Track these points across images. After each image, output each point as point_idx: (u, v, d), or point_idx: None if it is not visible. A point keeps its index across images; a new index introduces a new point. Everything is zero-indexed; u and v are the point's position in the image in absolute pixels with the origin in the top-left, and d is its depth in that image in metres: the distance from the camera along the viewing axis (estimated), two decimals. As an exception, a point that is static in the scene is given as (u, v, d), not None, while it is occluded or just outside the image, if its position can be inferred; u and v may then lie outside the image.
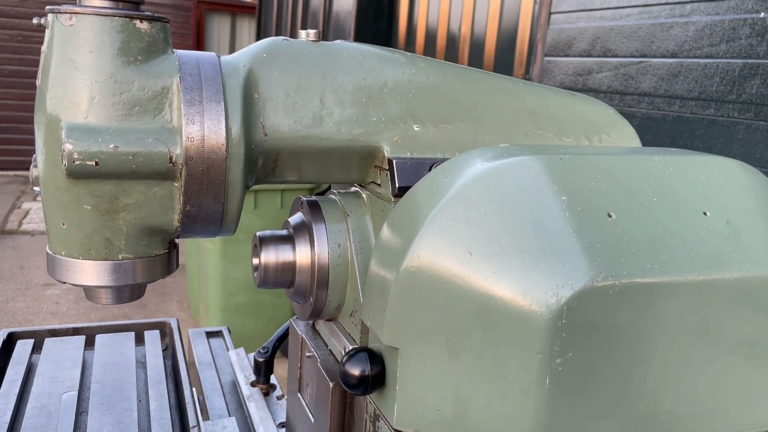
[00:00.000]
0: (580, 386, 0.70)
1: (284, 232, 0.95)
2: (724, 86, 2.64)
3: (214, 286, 4.02)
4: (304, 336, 1.04)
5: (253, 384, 1.30)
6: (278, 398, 1.26)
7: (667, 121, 2.85)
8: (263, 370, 1.29)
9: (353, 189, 0.99)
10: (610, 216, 0.73)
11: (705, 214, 0.77)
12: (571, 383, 0.70)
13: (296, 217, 0.96)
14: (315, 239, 0.90)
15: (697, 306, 0.73)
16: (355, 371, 0.79)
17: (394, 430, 0.76)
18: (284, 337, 1.29)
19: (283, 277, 0.92)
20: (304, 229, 0.93)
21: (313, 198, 0.95)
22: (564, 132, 0.99)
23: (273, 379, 1.33)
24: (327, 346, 0.99)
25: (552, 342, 0.68)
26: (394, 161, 0.87)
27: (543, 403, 0.69)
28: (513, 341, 0.70)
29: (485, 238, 0.72)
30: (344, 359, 0.80)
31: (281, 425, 1.15)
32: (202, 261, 4.14)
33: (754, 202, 0.82)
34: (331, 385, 0.89)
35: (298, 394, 1.06)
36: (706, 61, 2.66)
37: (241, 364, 1.40)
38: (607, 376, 0.71)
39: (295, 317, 1.12)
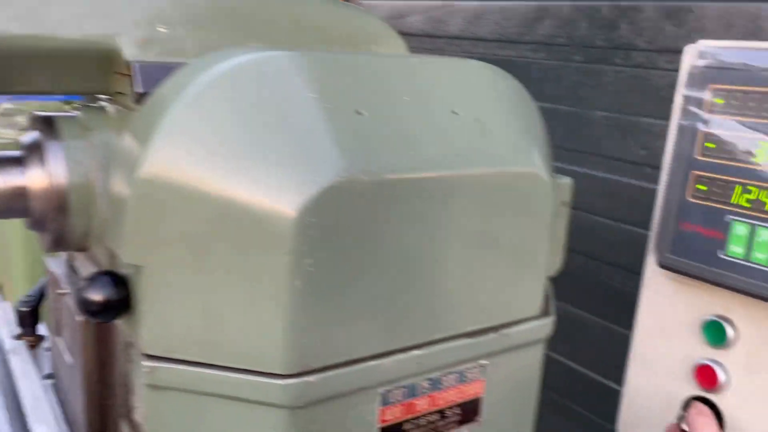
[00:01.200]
0: (335, 287, 0.69)
1: (14, 153, 0.83)
2: (519, 28, 2.79)
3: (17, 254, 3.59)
4: (57, 272, 0.93)
5: (18, 337, 1.16)
6: (47, 350, 1.14)
7: (468, 58, 2.96)
8: (28, 321, 1.16)
9: (101, 102, 0.88)
10: (359, 113, 0.71)
11: (455, 113, 0.78)
12: (325, 284, 0.68)
13: (29, 136, 0.83)
14: (49, 159, 0.79)
15: (447, 201, 0.74)
16: (96, 297, 0.71)
17: (145, 355, 0.70)
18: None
19: (14, 204, 0.80)
20: (37, 149, 0.81)
21: (48, 114, 0.83)
22: (329, 40, 0.96)
23: (41, 332, 1.20)
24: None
25: (300, 243, 0.65)
26: (135, 65, 0.78)
27: (296, 306, 0.67)
28: (260, 246, 0.66)
29: (226, 138, 0.66)
30: (84, 285, 0.72)
31: (48, 376, 1.04)
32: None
33: (503, 102, 0.85)
34: (79, 319, 0.81)
35: (57, 338, 0.96)
36: (505, 3, 2.79)
37: (6, 318, 1.24)
38: (362, 274, 0.70)
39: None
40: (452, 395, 0.81)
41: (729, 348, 0.99)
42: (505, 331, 0.83)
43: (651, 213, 1.11)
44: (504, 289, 0.83)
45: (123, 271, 0.73)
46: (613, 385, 2.03)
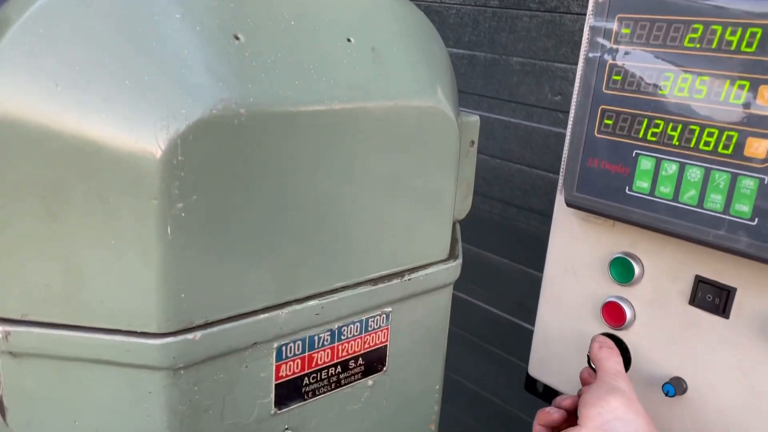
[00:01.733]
0: (213, 234, 0.61)
1: None
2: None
3: None
4: None
5: None
6: None
7: None
8: None
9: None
10: (237, 38, 0.63)
11: (349, 40, 0.71)
12: (200, 229, 0.60)
13: None
14: None
15: (340, 137, 0.68)
16: (-68, 256, 0.61)
17: (-3, 319, 0.61)
18: None
19: None
20: None
21: None
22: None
23: None
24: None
25: (168, 185, 0.57)
26: (-30, -16, 0.66)
27: (168, 256, 0.59)
28: (122, 189, 0.58)
29: (76, 64, 0.57)
30: None
31: None
32: None
33: (404, 32, 0.78)
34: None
35: None
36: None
37: None
38: (243, 219, 0.63)
39: None
40: (355, 346, 0.77)
41: (635, 284, 0.99)
42: (411, 276, 0.79)
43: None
44: (408, 232, 0.78)
45: (-33, 224, 0.63)
46: (530, 327, 2.07)
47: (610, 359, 0.78)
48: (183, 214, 0.58)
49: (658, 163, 0.87)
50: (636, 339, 1.01)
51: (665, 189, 0.86)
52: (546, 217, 1.94)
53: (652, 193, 0.87)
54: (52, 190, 0.58)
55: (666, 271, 0.95)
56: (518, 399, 2.16)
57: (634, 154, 0.89)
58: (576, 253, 1.06)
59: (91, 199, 0.58)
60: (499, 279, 2.20)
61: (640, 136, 0.89)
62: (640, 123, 0.89)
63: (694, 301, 0.93)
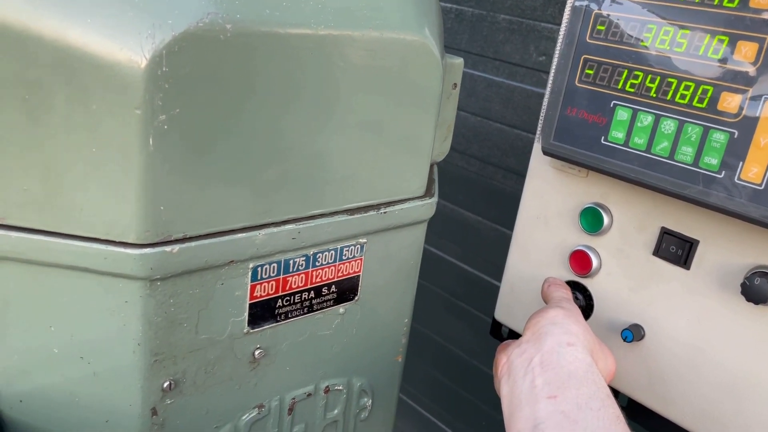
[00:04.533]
0: (194, 146, 0.62)
1: None
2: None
3: None
4: None
5: None
6: None
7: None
8: None
9: None
10: (226, -46, 0.62)
11: (339, -33, 0.71)
12: (181, 143, 0.61)
13: None
14: None
15: (324, 63, 0.68)
16: None
17: (-25, 222, 0.62)
18: None
19: None
20: None
21: None
22: None
23: None
24: None
25: (152, 96, 0.57)
26: None
27: (149, 167, 0.60)
28: (105, 97, 0.58)
29: (61, -34, 0.56)
30: None
31: None
32: None
33: (393, -35, 0.78)
34: None
35: None
36: None
37: None
38: (224, 135, 0.64)
39: None
40: (329, 273, 0.79)
41: (603, 234, 1.02)
42: (387, 209, 0.81)
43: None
44: (386, 166, 0.79)
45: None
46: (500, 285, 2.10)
47: (558, 291, 0.82)
48: (165, 127, 0.59)
49: (635, 114, 0.88)
50: (600, 287, 1.04)
51: (639, 140, 0.88)
52: (522, 177, 1.95)
53: (626, 143, 0.90)
54: (35, 94, 0.58)
55: (634, 222, 0.98)
56: (485, 354, 2.21)
57: (611, 105, 0.91)
58: (548, 202, 1.08)
59: (73, 105, 0.58)
60: (472, 236, 2.23)
61: (619, 86, 0.91)
62: (620, 74, 0.90)
63: (658, 251, 0.96)
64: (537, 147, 1.07)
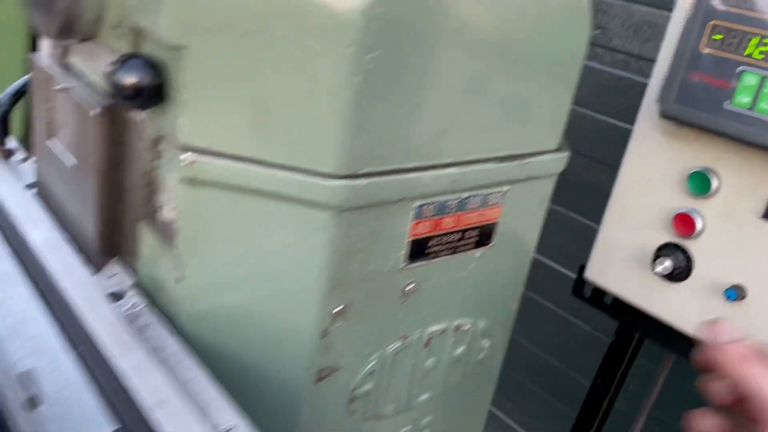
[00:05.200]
0: (393, 87, 0.66)
1: None
2: None
3: None
4: (49, 70, 0.84)
5: None
6: (23, 161, 1.05)
7: None
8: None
9: None
10: None
11: None
12: (383, 83, 0.65)
13: None
14: (60, -77, 0.69)
15: (498, 16, 0.72)
16: (129, 79, 0.65)
17: (183, 148, 0.66)
18: (22, 91, 1.05)
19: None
20: None
21: None
22: None
23: (11, 144, 1.10)
24: (82, 78, 0.82)
25: (365, 34, 0.62)
26: None
27: (352, 104, 0.64)
28: (322, 34, 0.62)
29: None
30: (115, 68, 0.66)
31: (31, 186, 0.97)
32: None
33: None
34: (92, 112, 0.74)
35: (48, 142, 0.89)
36: None
37: None
38: (419, 79, 0.68)
39: (35, 53, 0.90)
40: (474, 217, 0.83)
41: (709, 198, 1.06)
42: (529, 160, 0.85)
43: (637, 108, 1.12)
44: (534, 119, 0.83)
45: (154, 54, 0.67)
46: (567, 273, 2.06)
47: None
48: (371, 66, 0.63)
49: (763, 80, 0.92)
50: (701, 248, 1.08)
51: (766, 106, 0.92)
52: (607, 166, 1.81)
53: (752, 108, 0.93)
54: (255, 28, 0.62)
55: (743, 186, 1.02)
56: (549, 345, 2.17)
57: (738, 70, 0.94)
58: (654, 165, 1.12)
59: (292, 41, 0.62)
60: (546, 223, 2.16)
61: (746, 53, 0.94)
62: (749, 40, 0.93)
63: (766, 215, 1.00)
64: (646, 111, 1.11)
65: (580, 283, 1.32)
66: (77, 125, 0.80)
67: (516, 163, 0.84)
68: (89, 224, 0.81)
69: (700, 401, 0.54)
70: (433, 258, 0.81)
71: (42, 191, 0.95)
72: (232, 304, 0.74)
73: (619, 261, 1.20)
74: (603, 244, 1.23)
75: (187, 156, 0.66)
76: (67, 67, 0.86)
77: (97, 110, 0.74)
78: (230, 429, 0.60)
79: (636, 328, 1.32)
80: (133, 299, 0.78)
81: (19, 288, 0.76)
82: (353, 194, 0.68)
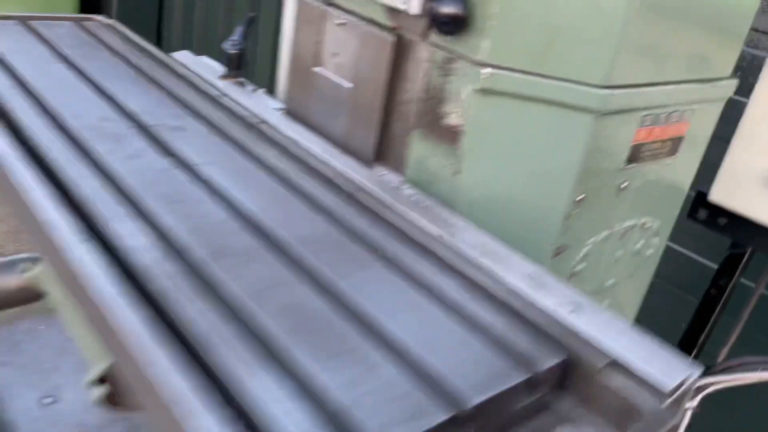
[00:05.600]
0: (654, 17, 0.85)
1: None
2: None
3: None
4: (327, 7, 1.03)
5: (224, 77, 1.23)
6: (254, 91, 1.23)
7: None
8: (235, 63, 1.23)
9: None
10: None
11: None
12: (649, 13, 0.84)
13: None
14: None
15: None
16: (447, 10, 0.84)
17: (482, 65, 0.85)
18: (251, 22, 1.23)
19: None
20: None
21: None
22: None
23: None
24: (357, 14, 1.00)
25: (641, -27, 0.80)
26: None
27: (625, 27, 0.83)
28: (610, -28, 0.80)
29: None
30: (434, 1, 0.84)
31: (281, 109, 1.14)
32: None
33: None
34: (391, 38, 0.93)
35: (317, 69, 1.07)
36: None
37: (201, 65, 1.29)
38: (670, 12, 0.87)
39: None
40: (671, 131, 1.02)
41: (836, 124, 1.24)
42: (716, 83, 1.04)
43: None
44: (724, 47, 1.02)
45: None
46: None
47: None
48: (641, -2, 0.82)
49: None
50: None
51: None
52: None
53: None
54: (557, -32, 0.80)
55: None
56: None
57: None
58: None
59: (584, -23, 0.81)
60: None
61: None
62: None
63: None
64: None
65: (696, 206, 1.51)
66: (358, 53, 0.99)
67: (708, 84, 1.03)
68: (364, 136, 1.01)
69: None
70: (641, 162, 1.01)
71: (292, 112, 1.15)
72: (498, 192, 0.93)
73: (745, 184, 1.39)
74: (728, 169, 1.42)
75: (487, 71, 0.85)
76: (333, 5, 1.04)
77: (392, 39, 0.93)
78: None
79: (749, 243, 1.52)
80: (407, 190, 0.97)
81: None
82: (610, 102, 0.87)
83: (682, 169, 1.12)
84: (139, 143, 0.90)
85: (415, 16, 0.90)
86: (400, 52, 0.95)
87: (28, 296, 1.18)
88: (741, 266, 1.57)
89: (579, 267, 1.03)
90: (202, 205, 0.78)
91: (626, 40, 0.84)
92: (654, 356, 0.66)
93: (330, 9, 1.03)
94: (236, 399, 0.50)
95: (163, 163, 0.87)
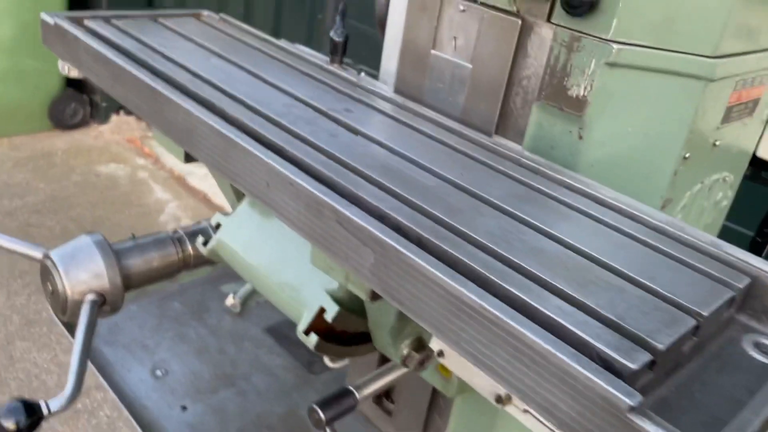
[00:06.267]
0: (747, -5, 0.98)
1: None
2: None
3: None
4: (444, -5, 1.14)
5: (331, 62, 1.33)
6: (359, 74, 1.34)
7: None
8: (343, 49, 1.34)
9: None
10: None
11: None
12: (745, -8, 0.97)
13: None
14: None
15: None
16: (580, -5, 0.96)
17: (611, 41, 0.98)
18: (344, 10, 1.33)
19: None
20: None
21: None
22: None
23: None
24: (477, 1, 1.11)
25: (751, -44, 0.93)
26: None
27: (735, 5, 0.96)
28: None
29: None
30: (568, -14, 0.96)
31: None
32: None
33: None
34: (517, 22, 1.05)
35: (435, 51, 1.19)
36: None
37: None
38: (762, -13, 1.00)
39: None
40: (754, 93, 1.16)
41: None
42: (788, 49, 1.18)
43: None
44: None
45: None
46: None
47: None
48: (749, -23, 0.95)
49: None
50: None
51: None
52: None
53: None
54: (679, -45, 0.93)
55: None
56: None
57: None
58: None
59: (703, -38, 0.93)
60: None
61: None
62: None
63: None
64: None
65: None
66: (480, 36, 1.10)
67: (782, 53, 1.16)
68: (485, 110, 1.13)
69: None
70: (729, 122, 1.15)
71: (404, 93, 1.26)
72: (617, 153, 1.06)
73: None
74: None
75: (617, 47, 0.98)
76: (446, -7, 1.15)
77: (518, 23, 1.05)
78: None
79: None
80: (529, 155, 1.10)
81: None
82: (717, 70, 1.01)
83: (754, 128, 1.27)
84: (329, 125, 1.01)
85: (541, 2, 1.02)
86: (523, 33, 1.07)
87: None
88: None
89: (678, 217, 1.17)
90: (412, 173, 0.89)
91: (732, 15, 0.97)
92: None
93: (447, -4, 1.14)
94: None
95: (358, 140, 0.98)
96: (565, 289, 0.67)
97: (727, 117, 1.13)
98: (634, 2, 0.96)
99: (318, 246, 0.75)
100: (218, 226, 1.09)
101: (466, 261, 0.67)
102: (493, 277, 0.66)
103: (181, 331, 1.78)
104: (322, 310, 0.92)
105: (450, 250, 0.69)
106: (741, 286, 0.74)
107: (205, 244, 1.12)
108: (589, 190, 0.96)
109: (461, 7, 1.13)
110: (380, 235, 0.68)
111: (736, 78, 1.08)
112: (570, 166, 1.07)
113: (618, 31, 0.98)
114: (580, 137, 1.06)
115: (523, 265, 0.70)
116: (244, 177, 0.85)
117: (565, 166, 1.08)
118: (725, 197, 1.32)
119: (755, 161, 1.66)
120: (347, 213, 0.71)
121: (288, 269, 0.99)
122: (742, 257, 0.79)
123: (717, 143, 1.14)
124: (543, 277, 0.68)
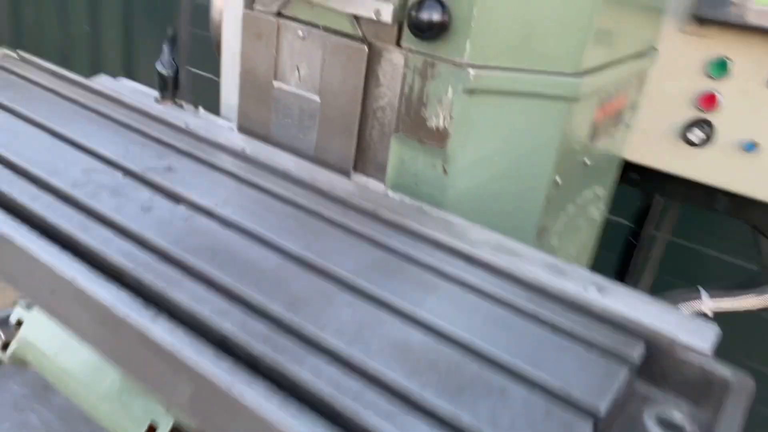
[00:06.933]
0: (613, 8, 0.91)
1: None
2: None
3: None
4: (281, 20, 0.99)
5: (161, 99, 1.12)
6: (196, 110, 1.15)
7: None
8: (174, 84, 1.13)
9: None
10: None
11: None
12: (609, 6, 0.90)
13: None
14: None
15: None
16: (427, 17, 0.84)
17: (467, 66, 0.87)
18: (174, 40, 1.14)
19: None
20: None
21: None
22: None
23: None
24: (319, 26, 0.97)
25: (603, -33, 0.85)
26: None
27: (593, 19, 0.88)
28: (576, -32, 0.85)
29: None
30: (415, 8, 0.84)
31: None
32: None
33: None
34: (364, 48, 0.92)
35: (277, 83, 1.03)
36: None
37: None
38: (626, 6, 0.93)
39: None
40: (617, 104, 1.11)
41: (726, 79, 1.41)
42: (646, 55, 1.13)
43: None
44: (644, 26, 1.12)
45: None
46: None
47: None
48: (603, -10, 0.87)
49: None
50: (722, 119, 1.43)
51: None
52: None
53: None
54: (529, -32, 0.83)
55: (752, 69, 1.37)
56: None
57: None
58: (678, 59, 1.44)
59: (555, -25, 0.84)
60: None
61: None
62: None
63: (770, 83, 1.36)
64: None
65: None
66: (325, 65, 0.96)
67: (645, 58, 1.12)
68: (340, 147, 0.99)
69: None
70: (597, 137, 1.08)
71: (247, 129, 1.09)
72: (484, 186, 0.97)
73: (654, 139, 1.54)
74: (639, 129, 1.56)
75: (474, 72, 0.87)
76: (287, 17, 1.00)
77: (366, 49, 0.92)
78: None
79: (657, 192, 1.69)
80: (394, 195, 0.97)
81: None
82: (581, 87, 0.93)
83: (620, 136, 1.22)
84: (141, 193, 0.81)
85: (387, 25, 0.89)
86: (372, 59, 0.94)
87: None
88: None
89: (555, 243, 1.10)
90: (247, 253, 0.73)
91: (593, 28, 0.90)
92: (682, 323, 0.72)
93: (285, 21, 0.99)
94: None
95: (179, 212, 0.80)
96: (437, 408, 0.55)
97: (595, 134, 1.06)
98: (488, 22, 0.86)
99: (122, 370, 0.58)
100: (19, 323, 0.88)
101: (309, 385, 0.53)
102: (345, 405, 0.52)
103: (21, 419, 1.51)
104: (151, 429, 0.74)
105: (289, 370, 0.54)
106: (635, 354, 0.65)
107: (5, 347, 0.90)
108: (458, 242, 0.84)
109: (300, 33, 0.98)
110: (196, 362, 0.52)
111: (600, 94, 1.01)
112: (438, 203, 0.96)
113: (473, 53, 0.87)
114: (445, 171, 0.95)
115: (385, 374, 0.57)
116: (23, 281, 0.66)
117: (432, 203, 0.96)
118: (597, 210, 1.27)
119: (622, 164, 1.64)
120: (150, 334, 0.54)
121: (111, 374, 0.80)
122: (632, 318, 0.70)
123: (587, 162, 1.08)
124: (409, 389, 0.56)
